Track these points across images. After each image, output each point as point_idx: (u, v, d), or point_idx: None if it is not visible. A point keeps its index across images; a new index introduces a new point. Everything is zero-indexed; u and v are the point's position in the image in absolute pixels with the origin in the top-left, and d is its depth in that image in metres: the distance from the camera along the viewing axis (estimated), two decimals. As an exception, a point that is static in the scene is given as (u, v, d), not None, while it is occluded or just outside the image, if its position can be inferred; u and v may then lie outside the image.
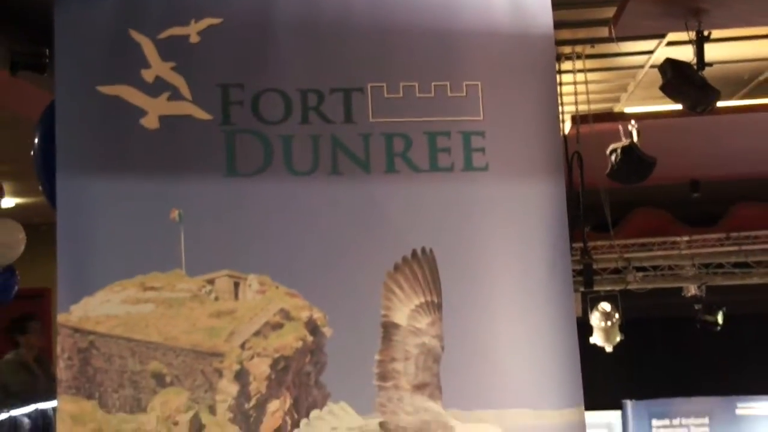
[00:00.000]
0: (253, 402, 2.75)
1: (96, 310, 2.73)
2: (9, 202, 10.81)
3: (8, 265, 7.79)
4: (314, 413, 2.77)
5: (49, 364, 8.15)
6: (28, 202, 11.43)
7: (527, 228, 2.91)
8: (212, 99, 2.87)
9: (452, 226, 2.87)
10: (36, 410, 7.91)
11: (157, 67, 2.87)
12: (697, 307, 14.98)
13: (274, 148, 2.86)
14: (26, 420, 7.91)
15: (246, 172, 2.85)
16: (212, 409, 2.72)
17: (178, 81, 2.87)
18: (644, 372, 16.03)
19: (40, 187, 3.48)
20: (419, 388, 2.80)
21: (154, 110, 2.86)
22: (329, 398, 2.78)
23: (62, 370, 2.69)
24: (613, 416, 16.33)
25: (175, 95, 2.86)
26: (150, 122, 2.85)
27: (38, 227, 7.13)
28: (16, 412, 7.80)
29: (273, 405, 2.76)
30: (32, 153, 3.58)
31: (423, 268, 2.84)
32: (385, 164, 2.90)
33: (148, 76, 2.86)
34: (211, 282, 2.80)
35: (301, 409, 2.77)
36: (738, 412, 15.92)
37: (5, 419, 7.62)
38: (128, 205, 2.81)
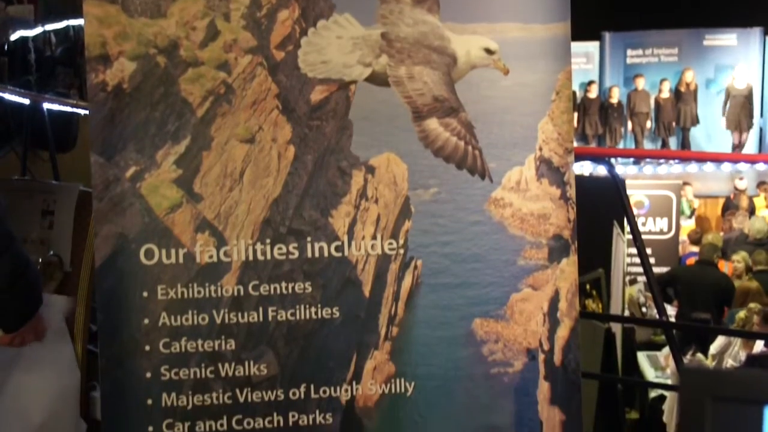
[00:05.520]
0: (264, 11, 2.68)
1: None
2: None
3: None
4: (321, 23, 2.71)
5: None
6: None
7: None
8: None
9: None
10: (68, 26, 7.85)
11: None
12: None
13: None
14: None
15: None
16: (227, 17, 2.66)
17: None
18: (622, 5, 15.82)
19: None
20: (419, 2, 2.73)
21: None
22: (335, 9, 2.71)
23: (85, -25, 2.60)
24: (592, 46, 16.36)
25: None
26: None
27: None
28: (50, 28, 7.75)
29: (283, 14, 2.70)
30: None
31: None
32: None
33: None
34: None
35: (308, 18, 2.71)
36: (705, 42, 15.91)
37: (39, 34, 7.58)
38: None
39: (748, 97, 15.34)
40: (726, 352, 7.37)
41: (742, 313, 7.74)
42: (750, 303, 7.94)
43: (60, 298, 3.00)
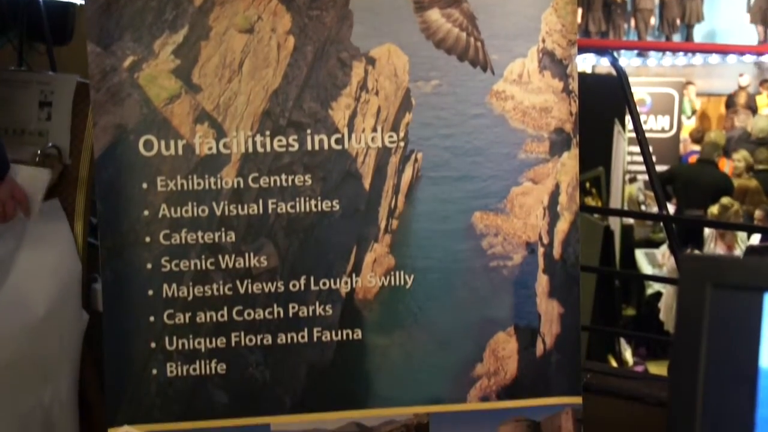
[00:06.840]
0: None
1: None
2: None
3: None
4: None
5: None
6: None
7: None
8: None
9: None
10: None
11: None
12: None
13: None
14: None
15: None
16: None
17: None
18: None
19: None
20: None
21: None
22: None
23: None
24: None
25: None
26: None
27: None
28: None
29: None
30: None
31: None
32: None
33: None
34: None
35: None
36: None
37: None
38: None
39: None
40: (703, 249, 7.45)
41: (714, 208, 7.76)
42: (747, 201, 7.96)
43: (36, 170, 2.95)
